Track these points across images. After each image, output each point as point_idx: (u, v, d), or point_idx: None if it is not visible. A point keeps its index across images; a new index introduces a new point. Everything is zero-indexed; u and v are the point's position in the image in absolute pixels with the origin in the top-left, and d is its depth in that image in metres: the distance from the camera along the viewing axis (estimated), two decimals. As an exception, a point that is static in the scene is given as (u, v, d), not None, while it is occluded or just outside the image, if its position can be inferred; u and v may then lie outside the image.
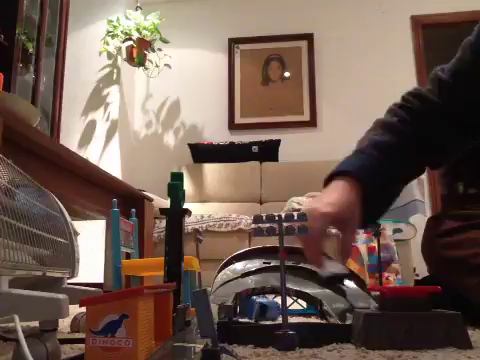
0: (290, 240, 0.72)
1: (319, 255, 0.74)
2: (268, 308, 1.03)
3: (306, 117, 3.44)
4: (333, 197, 0.76)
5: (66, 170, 1.30)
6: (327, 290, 1.01)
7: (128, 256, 1.06)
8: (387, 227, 1.67)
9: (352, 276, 1.04)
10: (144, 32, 3.13)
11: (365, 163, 0.81)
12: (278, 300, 1.01)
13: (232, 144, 3.17)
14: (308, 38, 3.54)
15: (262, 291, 1.03)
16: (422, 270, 1.30)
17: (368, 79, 3.43)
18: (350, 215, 0.75)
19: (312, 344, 0.64)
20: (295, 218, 0.68)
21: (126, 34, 3.10)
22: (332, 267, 0.92)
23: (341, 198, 0.76)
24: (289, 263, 1.05)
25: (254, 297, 1.06)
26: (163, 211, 0.71)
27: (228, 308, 0.75)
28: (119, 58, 3.28)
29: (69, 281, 0.83)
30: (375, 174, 0.80)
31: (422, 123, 0.85)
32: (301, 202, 2.53)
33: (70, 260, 0.78)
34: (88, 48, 3.23)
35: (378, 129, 0.88)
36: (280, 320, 0.69)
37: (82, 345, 0.70)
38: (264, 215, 0.69)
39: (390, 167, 0.83)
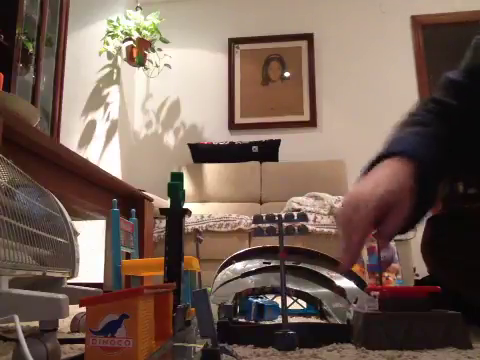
0: (290, 240, 0.71)
1: (356, 253, 0.61)
2: (265, 308, 1.03)
3: (306, 117, 3.44)
4: (378, 176, 0.63)
5: (66, 170, 1.30)
6: (327, 290, 1.01)
7: (128, 256, 1.06)
8: (387, 227, 1.67)
9: (352, 276, 1.04)
10: (144, 32, 3.13)
11: (411, 140, 0.69)
12: (277, 300, 1.01)
13: (232, 144, 3.17)
14: (308, 38, 3.54)
15: (262, 291, 1.03)
16: (422, 270, 1.30)
17: (368, 79, 3.43)
18: (400, 196, 0.61)
19: (312, 344, 0.64)
20: (295, 218, 0.68)
21: (126, 34, 3.10)
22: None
23: (389, 177, 0.62)
24: (289, 263, 1.05)
25: (251, 298, 1.06)
26: (163, 211, 0.71)
27: (228, 308, 0.75)
28: (119, 58, 3.28)
29: (69, 281, 0.83)
30: (427, 148, 0.67)
31: (441, 124, 0.76)
32: (301, 202, 2.53)
33: (70, 260, 0.78)
34: (88, 48, 3.23)
35: (407, 124, 0.77)
36: (280, 320, 0.69)
37: (82, 345, 0.70)
38: (264, 215, 0.69)
39: (439, 148, 0.70)
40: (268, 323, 1.00)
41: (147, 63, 3.22)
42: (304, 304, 1.22)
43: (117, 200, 0.94)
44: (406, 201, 0.62)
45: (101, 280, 2.12)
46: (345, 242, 0.61)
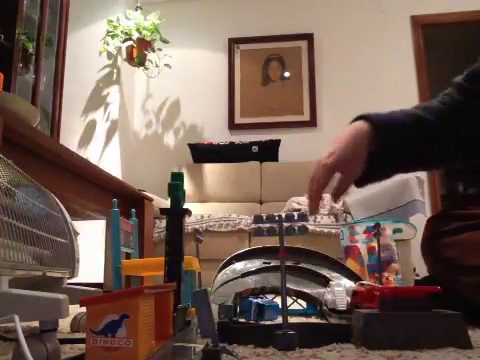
0: (290, 240, 0.72)
1: (316, 200, 0.79)
2: (265, 308, 1.03)
3: (306, 117, 3.44)
4: (338, 143, 0.82)
5: (66, 170, 1.30)
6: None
7: (128, 256, 1.06)
8: (387, 227, 1.67)
9: (352, 276, 1.04)
10: (144, 32, 3.13)
11: (385, 116, 0.86)
12: (277, 300, 1.01)
13: (232, 144, 3.17)
14: (308, 38, 3.54)
15: (262, 291, 1.03)
16: (422, 270, 1.30)
17: (368, 79, 3.43)
18: (354, 157, 0.80)
19: (312, 344, 0.64)
20: (295, 218, 0.68)
21: (126, 34, 3.10)
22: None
23: (347, 142, 0.81)
24: (289, 263, 1.05)
25: (251, 298, 1.06)
26: (163, 211, 0.71)
27: (228, 308, 0.75)
28: (119, 58, 3.28)
29: (69, 281, 0.83)
30: (392, 126, 0.84)
31: (450, 114, 0.90)
32: (301, 202, 2.53)
33: (70, 260, 0.78)
34: (88, 48, 3.23)
35: (413, 108, 0.93)
36: (280, 320, 0.69)
37: (82, 345, 0.70)
38: (264, 215, 0.69)
39: (410, 131, 0.86)
40: (268, 323, 0.99)
41: (147, 63, 3.22)
42: (304, 304, 1.22)
43: (117, 200, 0.94)
44: (359, 158, 0.82)
45: (101, 280, 2.12)
46: (309, 192, 0.81)
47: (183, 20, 3.66)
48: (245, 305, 1.06)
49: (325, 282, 1.03)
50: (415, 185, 2.24)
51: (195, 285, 0.99)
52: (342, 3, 3.57)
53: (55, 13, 2.53)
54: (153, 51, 3.21)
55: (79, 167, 1.33)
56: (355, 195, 2.49)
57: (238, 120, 3.51)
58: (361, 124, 0.84)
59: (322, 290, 1.01)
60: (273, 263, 1.05)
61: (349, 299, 0.88)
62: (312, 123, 3.42)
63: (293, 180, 2.99)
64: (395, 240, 1.67)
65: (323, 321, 1.00)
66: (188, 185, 3.03)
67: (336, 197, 0.83)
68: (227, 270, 1.07)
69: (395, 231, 1.76)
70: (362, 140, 0.82)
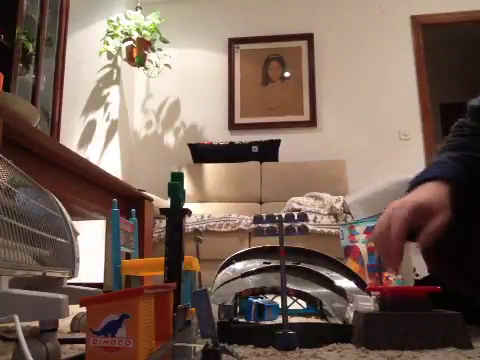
0: (290, 240, 0.72)
1: (398, 257, 0.65)
2: (265, 308, 1.03)
3: (306, 117, 3.44)
4: (419, 194, 0.71)
5: (66, 170, 1.30)
6: (327, 290, 1.01)
7: (128, 256, 1.07)
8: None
9: (352, 276, 1.04)
10: (144, 32, 3.13)
11: (450, 166, 0.78)
12: (277, 300, 1.01)
13: (232, 144, 3.17)
14: (308, 38, 3.54)
15: (262, 291, 1.03)
16: (422, 270, 1.30)
17: (368, 79, 3.43)
18: (440, 206, 0.68)
19: (312, 344, 0.64)
20: (295, 218, 0.68)
21: (126, 34, 3.10)
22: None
23: (430, 194, 0.70)
24: (289, 263, 1.05)
25: (251, 298, 1.06)
26: (163, 211, 0.71)
27: (228, 308, 0.75)
28: (119, 58, 3.28)
29: (69, 281, 0.83)
30: (462, 173, 0.77)
31: (471, 147, 0.86)
32: (301, 202, 2.53)
33: (70, 260, 0.78)
34: (88, 48, 3.23)
35: (445, 149, 0.88)
36: (280, 320, 0.69)
37: (82, 345, 0.70)
38: (264, 215, 0.69)
39: (474, 163, 0.79)
40: (268, 323, 0.99)
41: (147, 63, 3.22)
42: (304, 304, 1.22)
43: (117, 200, 0.94)
44: (443, 212, 0.68)
45: (101, 280, 2.13)
46: (385, 247, 0.66)
47: (183, 20, 3.65)
48: (245, 305, 1.06)
49: (325, 282, 1.03)
50: (415, 185, 2.23)
51: (195, 285, 0.99)
52: (342, 3, 3.57)
53: (55, 13, 2.53)
54: (153, 51, 3.21)
55: (79, 167, 1.33)
56: (355, 195, 2.49)
57: (238, 120, 3.51)
58: (434, 184, 0.74)
59: (325, 291, 1.01)
60: (273, 263, 1.05)
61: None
62: (312, 123, 3.42)
63: (293, 180, 2.99)
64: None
65: (323, 321, 1.00)
66: (188, 185, 3.03)
67: (424, 245, 0.68)
68: (227, 270, 1.07)
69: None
70: (445, 194, 0.71)
